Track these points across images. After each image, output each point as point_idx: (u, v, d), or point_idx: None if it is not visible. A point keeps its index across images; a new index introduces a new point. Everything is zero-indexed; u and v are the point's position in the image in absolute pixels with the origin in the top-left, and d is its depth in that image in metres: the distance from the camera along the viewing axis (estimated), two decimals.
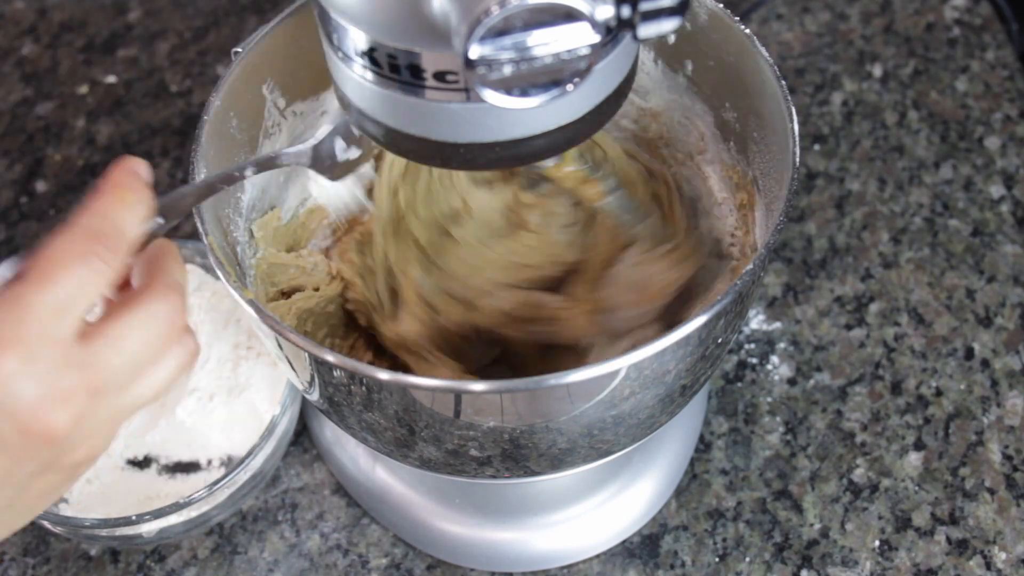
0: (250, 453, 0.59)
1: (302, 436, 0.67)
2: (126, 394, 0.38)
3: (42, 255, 0.36)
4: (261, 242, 0.57)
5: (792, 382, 0.68)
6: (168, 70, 0.88)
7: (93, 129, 0.84)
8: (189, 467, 0.64)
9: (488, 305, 0.57)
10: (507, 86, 0.35)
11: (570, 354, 0.56)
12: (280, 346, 0.47)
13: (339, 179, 0.52)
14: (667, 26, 0.35)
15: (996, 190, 0.76)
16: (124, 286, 0.41)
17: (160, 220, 0.42)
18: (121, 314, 0.38)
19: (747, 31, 0.52)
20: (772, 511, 0.63)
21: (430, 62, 0.38)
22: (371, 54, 0.39)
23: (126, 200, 0.39)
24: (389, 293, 0.58)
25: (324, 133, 0.50)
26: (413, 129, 0.41)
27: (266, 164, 0.48)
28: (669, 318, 0.57)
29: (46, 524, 0.57)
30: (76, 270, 0.36)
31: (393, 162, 0.57)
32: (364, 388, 0.45)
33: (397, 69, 0.39)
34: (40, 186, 0.81)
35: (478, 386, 0.43)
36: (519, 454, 0.49)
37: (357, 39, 0.39)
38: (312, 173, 0.52)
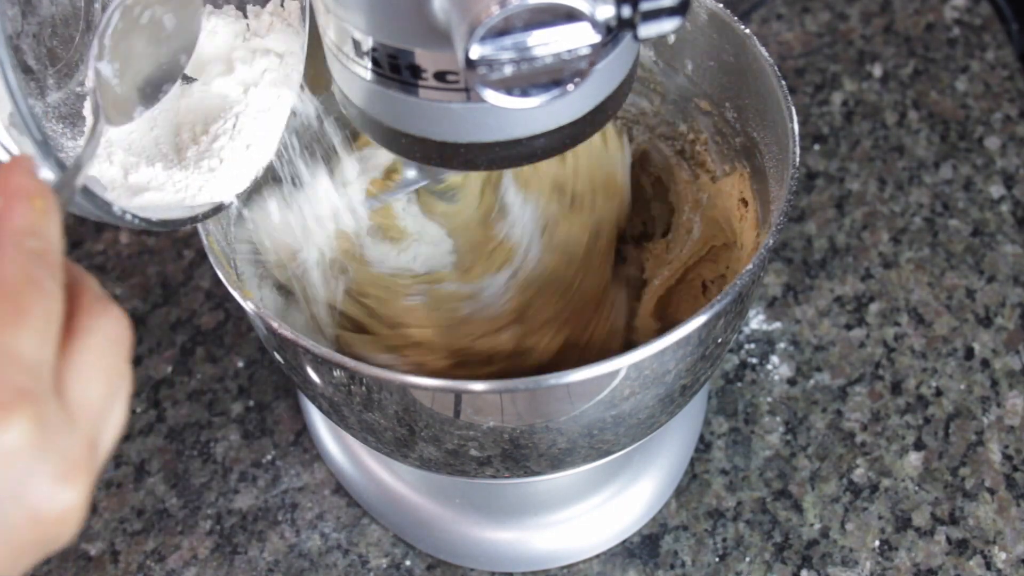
0: None
1: (302, 436, 0.67)
2: (108, 433, 0.31)
3: None
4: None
5: (792, 382, 0.68)
6: None
7: None
8: None
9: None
10: (507, 86, 0.35)
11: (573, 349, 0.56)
12: (279, 346, 0.47)
13: None
14: (667, 26, 0.35)
15: (996, 190, 0.76)
16: None
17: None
18: (75, 345, 0.31)
19: (747, 31, 0.52)
20: (772, 511, 0.63)
21: (430, 62, 0.38)
22: (371, 54, 0.39)
23: (40, 208, 0.31)
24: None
25: None
26: (413, 129, 0.41)
27: None
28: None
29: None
30: (38, 301, 0.29)
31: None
32: (364, 388, 0.46)
33: (397, 69, 0.39)
34: None
35: (478, 386, 0.43)
36: (519, 454, 0.49)
37: (357, 39, 0.39)
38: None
